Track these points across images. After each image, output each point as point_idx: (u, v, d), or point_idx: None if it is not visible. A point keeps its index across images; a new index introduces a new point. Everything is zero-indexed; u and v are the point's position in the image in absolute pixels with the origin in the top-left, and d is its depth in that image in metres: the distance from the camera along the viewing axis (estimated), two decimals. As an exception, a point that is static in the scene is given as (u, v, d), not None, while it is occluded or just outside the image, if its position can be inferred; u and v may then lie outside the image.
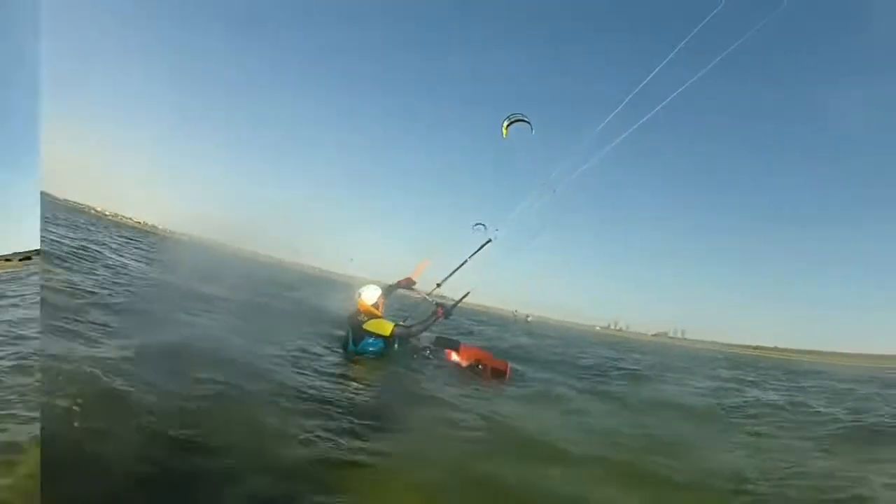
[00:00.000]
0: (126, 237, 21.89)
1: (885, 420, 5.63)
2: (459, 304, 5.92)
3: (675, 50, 5.06)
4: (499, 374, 5.51)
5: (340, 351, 5.73)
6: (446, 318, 5.78)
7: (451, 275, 6.21)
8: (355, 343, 5.49)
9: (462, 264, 6.23)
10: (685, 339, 74.09)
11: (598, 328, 72.08)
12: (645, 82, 5.29)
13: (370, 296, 5.77)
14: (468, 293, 5.97)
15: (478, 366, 5.69)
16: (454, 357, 5.72)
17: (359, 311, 5.68)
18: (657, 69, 5.15)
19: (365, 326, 5.48)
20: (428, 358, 5.70)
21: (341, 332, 6.10)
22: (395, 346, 5.52)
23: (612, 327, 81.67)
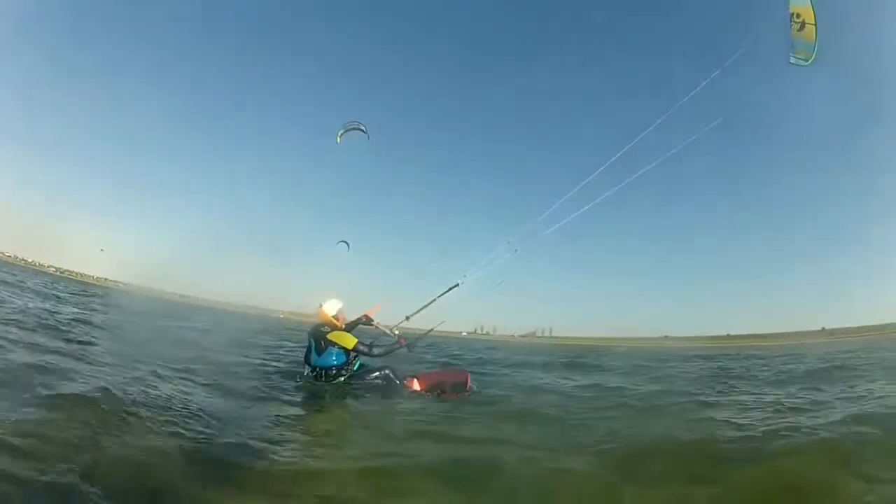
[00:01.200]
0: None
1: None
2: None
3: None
4: (460, 386, 5.74)
5: (305, 367, 5.75)
6: (409, 350, 5.93)
7: (418, 311, 6.43)
8: (318, 353, 5.55)
9: (430, 303, 6.49)
10: (553, 336, 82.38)
11: (464, 333, 76.71)
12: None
13: (331, 306, 5.88)
14: (432, 329, 6.29)
15: (439, 390, 5.62)
16: (415, 386, 5.71)
17: (321, 323, 5.78)
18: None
19: (329, 336, 5.57)
20: (380, 385, 5.58)
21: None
22: (356, 364, 5.64)
23: (479, 332, 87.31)
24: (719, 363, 12.44)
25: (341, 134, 13.97)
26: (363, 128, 13.54)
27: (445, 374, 6.33)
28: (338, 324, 5.79)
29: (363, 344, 5.63)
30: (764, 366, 11.18)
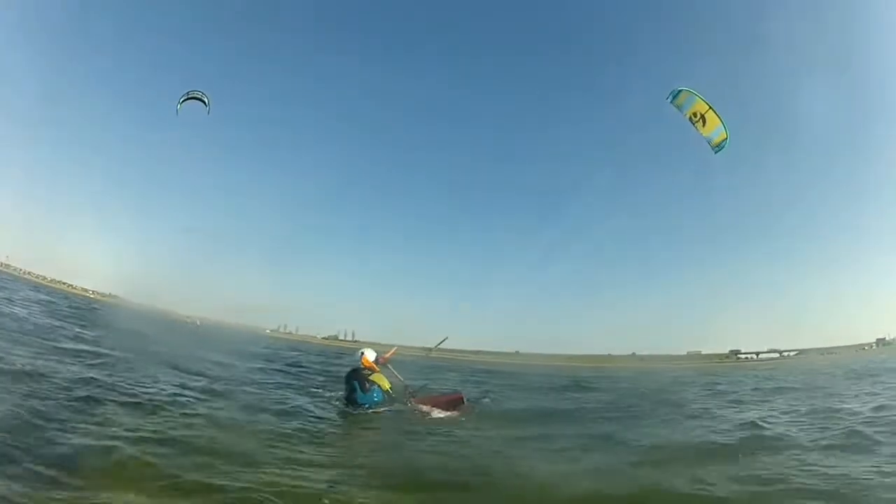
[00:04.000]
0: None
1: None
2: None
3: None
4: (456, 403, 7.53)
5: (342, 402, 7.07)
6: (412, 396, 7.52)
7: (430, 352, 8.43)
8: (363, 392, 7.01)
9: (429, 352, 8.58)
10: (354, 341, 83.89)
11: (268, 331, 73.54)
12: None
13: (371, 355, 7.42)
14: (426, 384, 8.18)
15: (442, 408, 7.20)
16: (425, 408, 7.16)
17: (363, 367, 7.23)
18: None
19: (372, 378, 7.11)
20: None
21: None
22: (391, 399, 7.22)
23: (282, 330, 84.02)
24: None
25: (181, 101, 14.01)
26: (205, 99, 13.73)
27: (444, 397, 7.99)
28: (377, 368, 7.38)
29: (388, 390, 7.26)
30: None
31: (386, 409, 7.16)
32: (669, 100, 8.45)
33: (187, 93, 13.78)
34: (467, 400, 8.10)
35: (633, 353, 64.98)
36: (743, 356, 65.00)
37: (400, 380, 7.69)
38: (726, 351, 66.32)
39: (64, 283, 66.72)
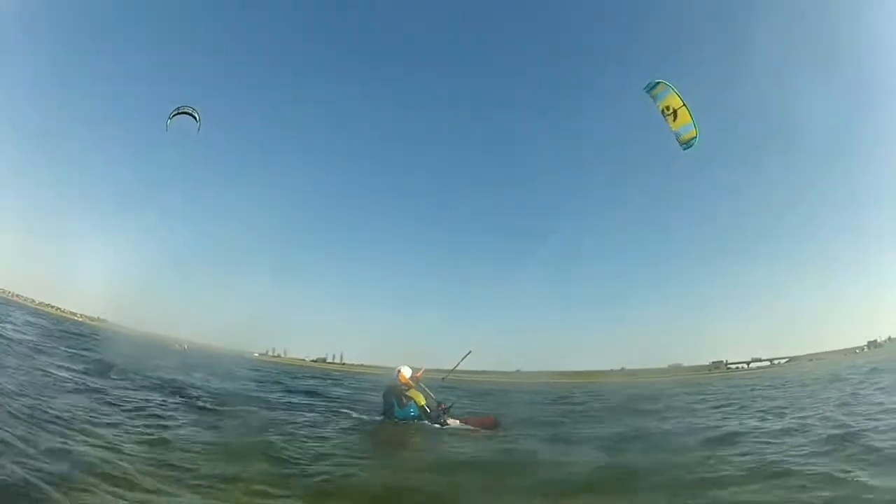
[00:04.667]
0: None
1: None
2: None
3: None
4: (489, 424, 8.11)
5: (381, 416, 7.71)
6: (445, 412, 8.16)
7: (448, 374, 9.11)
8: (400, 407, 7.64)
9: (454, 368, 9.30)
10: (343, 364, 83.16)
11: (256, 355, 72.77)
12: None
13: (408, 372, 8.07)
14: (454, 403, 8.70)
15: (472, 427, 8.03)
16: (454, 423, 8.06)
17: (400, 383, 7.86)
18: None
19: (409, 394, 7.76)
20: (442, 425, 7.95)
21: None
22: (426, 415, 7.93)
23: (270, 354, 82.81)
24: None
25: (172, 116, 13.56)
26: (195, 114, 13.47)
27: (478, 419, 8.68)
28: (413, 385, 8.01)
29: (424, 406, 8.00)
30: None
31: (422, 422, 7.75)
32: (646, 90, 8.61)
33: (178, 108, 13.54)
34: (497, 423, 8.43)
35: (623, 368, 63.81)
36: (733, 366, 64.09)
37: (432, 397, 8.30)
38: (708, 362, 65.71)
39: (51, 306, 65.14)
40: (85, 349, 14.65)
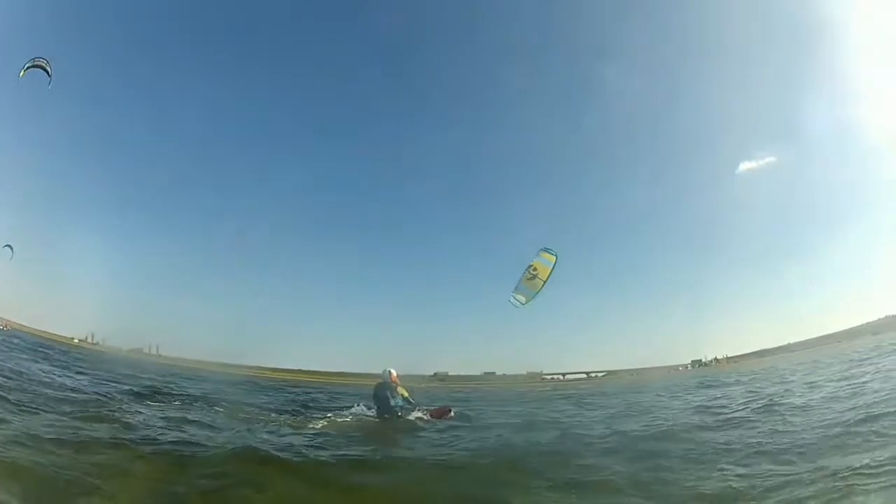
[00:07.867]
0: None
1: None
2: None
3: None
4: (444, 413, 10.26)
5: (375, 410, 9.64)
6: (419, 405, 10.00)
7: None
8: (393, 398, 9.65)
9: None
10: (160, 355, 73.86)
11: (76, 340, 61.83)
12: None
13: (395, 372, 10.13)
14: (453, 411, 10.74)
15: (437, 416, 10.04)
16: (428, 416, 9.93)
17: (391, 382, 9.90)
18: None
19: (399, 390, 9.84)
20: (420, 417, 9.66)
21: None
22: (410, 405, 9.98)
23: (89, 340, 70.05)
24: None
25: (26, 68, 14.39)
26: (49, 69, 13.86)
27: (441, 409, 10.79)
28: (399, 382, 10.15)
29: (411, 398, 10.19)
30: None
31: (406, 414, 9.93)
32: (543, 248, 9.57)
33: (33, 59, 13.58)
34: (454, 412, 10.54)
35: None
36: (548, 377, 62.51)
37: (412, 393, 10.57)
38: (524, 372, 62.82)
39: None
40: None
